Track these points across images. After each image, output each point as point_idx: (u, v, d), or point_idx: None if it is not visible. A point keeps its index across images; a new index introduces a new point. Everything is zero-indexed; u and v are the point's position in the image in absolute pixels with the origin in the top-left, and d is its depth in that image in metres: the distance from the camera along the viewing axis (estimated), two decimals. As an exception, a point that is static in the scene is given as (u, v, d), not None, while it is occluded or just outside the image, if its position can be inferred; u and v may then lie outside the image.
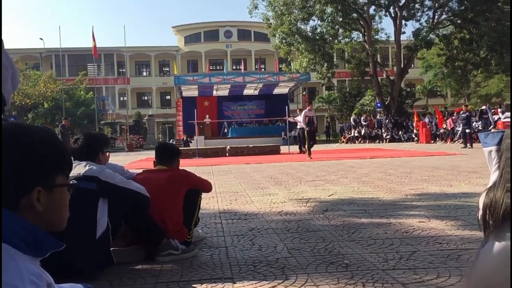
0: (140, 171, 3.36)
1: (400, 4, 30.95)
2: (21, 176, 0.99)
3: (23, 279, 0.87)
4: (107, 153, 3.01)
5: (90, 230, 2.54)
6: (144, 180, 3.01)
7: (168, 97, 50.97)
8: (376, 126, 30.43)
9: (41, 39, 71.85)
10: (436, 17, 31.60)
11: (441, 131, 24.58)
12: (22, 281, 0.87)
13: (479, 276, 0.50)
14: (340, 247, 3.01)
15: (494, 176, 1.88)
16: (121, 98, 48.70)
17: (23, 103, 33.57)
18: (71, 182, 1.14)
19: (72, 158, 1.17)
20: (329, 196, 5.46)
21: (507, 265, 0.46)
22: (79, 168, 2.68)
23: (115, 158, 15.82)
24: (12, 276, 0.86)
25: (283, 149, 18.21)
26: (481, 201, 1.52)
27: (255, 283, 2.36)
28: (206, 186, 3.33)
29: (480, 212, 1.51)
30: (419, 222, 3.74)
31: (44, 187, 1.02)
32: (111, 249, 2.74)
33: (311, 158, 12.81)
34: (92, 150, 2.84)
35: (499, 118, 20.88)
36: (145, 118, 37.88)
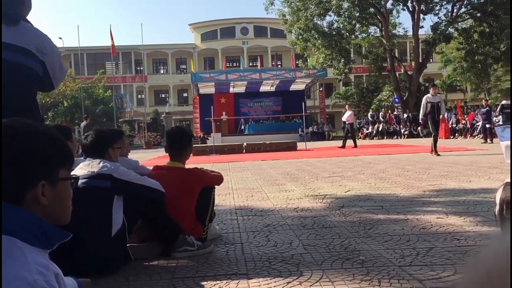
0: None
1: (418, -2, 30.56)
2: (25, 171, 1.02)
3: (30, 270, 0.90)
4: (123, 148, 3.01)
5: (106, 228, 2.56)
6: (158, 177, 3.02)
7: (185, 95, 51.21)
8: (394, 121, 30.15)
9: (60, 38, 72.20)
10: (455, 10, 31.10)
11: (460, 126, 24.23)
12: (29, 272, 0.90)
13: (480, 268, 0.48)
14: (356, 243, 2.99)
15: None
16: (139, 96, 49.11)
17: (43, 101, 34.05)
18: (73, 175, 1.16)
19: (73, 153, 1.20)
20: (345, 192, 5.43)
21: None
22: (93, 166, 2.70)
23: (133, 155, 15.93)
24: (20, 268, 0.89)
25: (300, 145, 18.15)
26: (498, 195, 1.49)
27: (270, 279, 2.36)
28: (217, 182, 3.32)
29: (497, 207, 1.49)
30: (437, 218, 3.69)
31: (48, 181, 1.05)
32: (127, 245, 2.77)
33: (438, 154, 10.72)
34: (101, 146, 2.85)
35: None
36: (162, 115, 38.16)
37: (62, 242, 1.06)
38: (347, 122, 17.48)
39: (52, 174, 1.07)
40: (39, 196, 1.03)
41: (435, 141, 10.90)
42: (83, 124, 20.87)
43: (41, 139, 1.06)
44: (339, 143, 23.04)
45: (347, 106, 19.14)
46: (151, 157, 15.37)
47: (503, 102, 22.73)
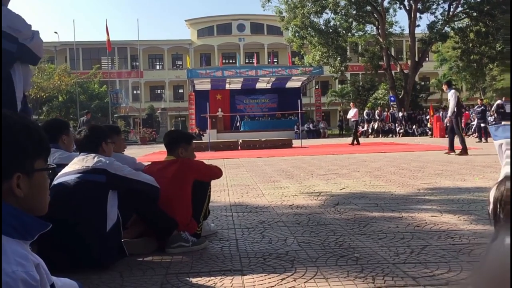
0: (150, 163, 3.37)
1: (415, -3, 30.58)
2: None
3: (9, 261, 0.90)
4: (120, 144, 3.01)
5: (101, 222, 2.56)
6: (153, 172, 3.02)
7: (181, 91, 51.09)
8: (390, 120, 30.21)
9: (55, 32, 71.71)
10: (451, 9, 31.13)
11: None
12: (8, 263, 0.90)
13: (489, 271, 0.49)
14: (350, 241, 3.00)
15: (505, 169, 1.85)
16: (135, 92, 48.94)
17: (38, 96, 33.87)
18: (50, 166, 1.15)
19: (49, 143, 1.18)
20: (340, 189, 5.44)
21: None
22: (88, 161, 2.69)
23: (128, 151, 15.89)
24: None
25: (296, 142, 18.16)
26: (492, 194, 1.50)
27: (264, 276, 2.36)
28: (215, 174, 3.30)
29: (491, 206, 1.49)
30: (431, 216, 3.71)
31: (23, 172, 1.04)
32: (122, 240, 2.76)
33: (451, 152, 10.43)
34: (94, 140, 2.84)
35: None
36: (158, 111, 38.08)
37: (42, 232, 1.06)
38: (352, 120, 17.88)
39: (27, 165, 1.05)
40: (14, 188, 1.02)
41: (449, 141, 10.70)
42: (83, 119, 20.98)
43: (14, 130, 1.04)
44: (335, 141, 23.11)
45: (351, 103, 20.05)
46: (146, 153, 15.31)
47: (498, 101, 22.82)
